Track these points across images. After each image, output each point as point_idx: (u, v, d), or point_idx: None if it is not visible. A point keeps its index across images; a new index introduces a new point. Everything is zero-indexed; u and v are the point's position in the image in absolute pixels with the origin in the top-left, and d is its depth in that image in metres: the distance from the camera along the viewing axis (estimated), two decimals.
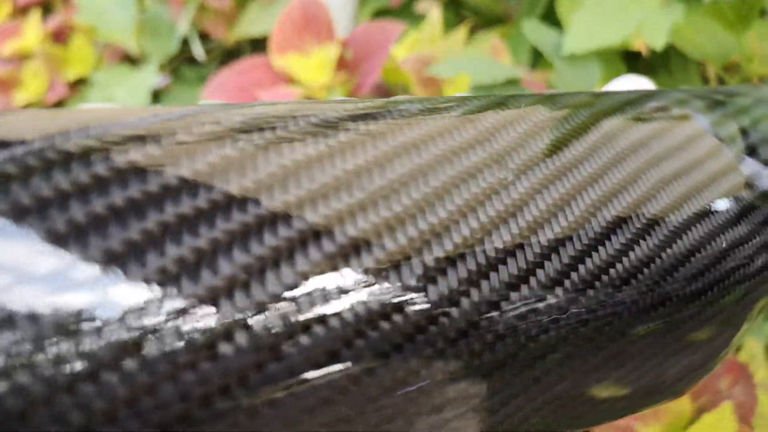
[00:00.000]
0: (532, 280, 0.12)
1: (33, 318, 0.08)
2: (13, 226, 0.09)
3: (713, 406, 0.32)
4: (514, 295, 0.12)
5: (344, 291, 0.11)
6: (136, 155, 0.10)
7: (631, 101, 0.17)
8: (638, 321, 0.14)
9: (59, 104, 0.59)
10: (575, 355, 0.13)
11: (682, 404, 0.32)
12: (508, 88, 0.32)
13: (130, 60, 0.60)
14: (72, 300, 0.09)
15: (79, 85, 0.59)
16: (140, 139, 0.10)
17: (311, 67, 0.37)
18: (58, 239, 0.09)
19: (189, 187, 0.10)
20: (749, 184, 0.17)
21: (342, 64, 0.37)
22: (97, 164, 0.10)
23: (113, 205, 0.10)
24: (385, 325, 0.11)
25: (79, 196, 0.09)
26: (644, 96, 0.17)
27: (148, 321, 0.09)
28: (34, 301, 0.09)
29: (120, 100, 0.56)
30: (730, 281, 0.15)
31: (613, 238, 0.14)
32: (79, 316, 0.09)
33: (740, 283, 0.16)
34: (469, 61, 0.32)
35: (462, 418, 0.12)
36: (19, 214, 0.09)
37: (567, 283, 0.13)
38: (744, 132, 0.18)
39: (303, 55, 0.37)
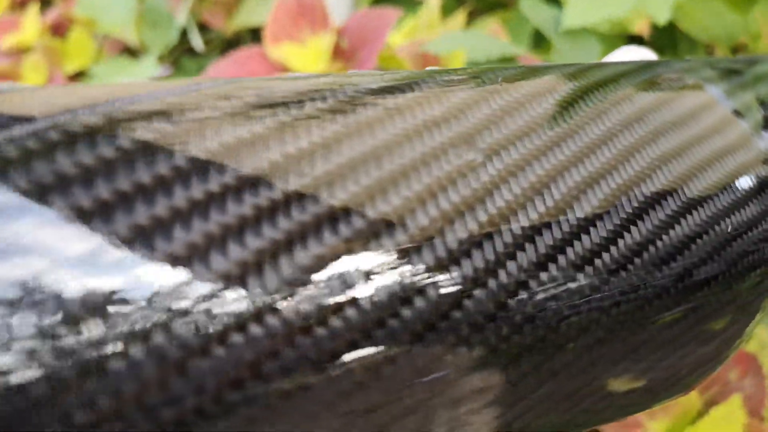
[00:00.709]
0: (551, 265, 0.12)
1: (65, 300, 0.08)
2: (37, 207, 0.09)
3: (722, 398, 0.31)
4: (534, 280, 0.12)
5: (367, 274, 0.10)
6: (159, 132, 0.10)
7: (641, 70, 0.16)
8: (654, 308, 0.13)
9: None
10: (595, 344, 0.13)
11: (690, 398, 0.31)
12: (504, 64, 0.31)
13: (130, 52, 0.59)
14: (103, 282, 0.09)
15: (78, 77, 0.59)
16: (163, 115, 0.10)
17: (306, 57, 0.36)
18: (82, 220, 0.09)
19: (210, 167, 0.10)
20: (765, 160, 0.16)
21: (338, 52, 0.37)
22: (122, 141, 0.10)
23: (140, 184, 0.09)
24: (404, 310, 0.11)
25: (105, 175, 0.09)
26: (654, 65, 0.16)
27: (176, 304, 0.09)
28: (66, 283, 0.08)
29: None
30: (745, 266, 0.15)
31: (634, 220, 0.13)
32: (109, 298, 0.09)
33: (755, 269, 0.15)
34: (465, 36, 0.31)
35: (479, 412, 0.12)
36: (43, 194, 0.09)
37: (587, 267, 0.12)
38: (762, 102, 0.17)
39: (298, 45, 0.36)
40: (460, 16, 0.38)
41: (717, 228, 0.14)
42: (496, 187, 0.12)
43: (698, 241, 0.14)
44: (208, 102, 0.11)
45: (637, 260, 0.13)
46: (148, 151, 0.10)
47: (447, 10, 0.42)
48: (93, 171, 0.09)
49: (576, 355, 0.13)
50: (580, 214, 0.13)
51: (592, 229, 0.13)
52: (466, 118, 0.13)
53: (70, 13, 0.60)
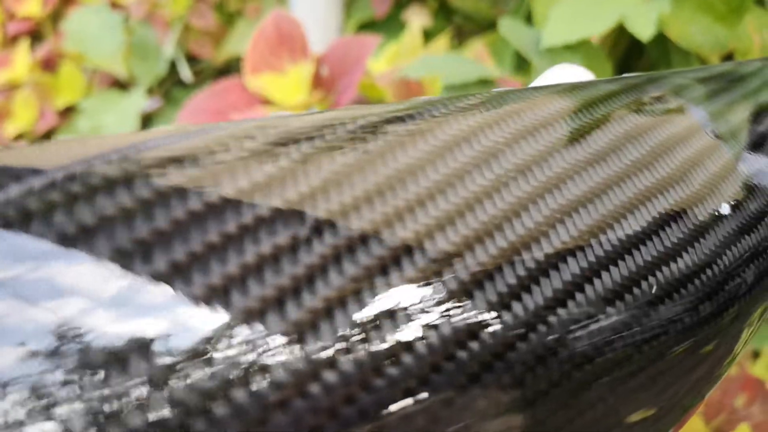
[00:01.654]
0: (576, 301, 0.12)
1: (105, 347, 0.08)
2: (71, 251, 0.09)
3: (729, 426, 0.30)
4: (562, 317, 0.11)
5: (410, 318, 0.10)
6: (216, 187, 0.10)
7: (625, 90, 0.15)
8: (673, 340, 0.13)
9: (49, 133, 0.58)
10: (620, 379, 0.13)
11: (697, 426, 0.30)
12: (482, 88, 0.30)
13: (120, 85, 0.59)
14: (142, 327, 0.08)
15: (68, 112, 0.58)
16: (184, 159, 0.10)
17: (286, 87, 0.35)
18: (119, 264, 0.09)
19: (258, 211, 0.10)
20: (748, 186, 0.15)
21: (318, 81, 0.36)
22: (142, 188, 0.09)
23: (201, 242, 0.09)
24: (437, 358, 0.10)
25: (150, 217, 0.09)
26: (641, 82, 0.16)
27: (219, 353, 0.09)
28: (106, 328, 0.08)
29: (109, 126, 0.55)
30: (731, 292, 0.14)
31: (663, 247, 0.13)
32: (149, 343, 0.08)
33: (742, 296, 0.15)
34: (440, 60, 0.30)
35: None
36: (76, 239, 0.09)
37: (618, 303, 0.12)
38: (748, 120, 0.17)
39: (278, 75, 0.36)
40: (442, 41, 0.37)
41: (720, 254, 0.14)
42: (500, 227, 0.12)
43: (712, 266, 0.14)
44: (232, 143, 0.11)
45: (667, 296, 0.13)
46: (176, 194, 0.09)
47: (434, 32, 0.42)
48: (121, 214, 0.09)
49: (601, 392, 0.12)
50: (609, 247, 0.12)
51: (626, 261, 0.12)
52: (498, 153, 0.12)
53: (60, 47, 0.60)
